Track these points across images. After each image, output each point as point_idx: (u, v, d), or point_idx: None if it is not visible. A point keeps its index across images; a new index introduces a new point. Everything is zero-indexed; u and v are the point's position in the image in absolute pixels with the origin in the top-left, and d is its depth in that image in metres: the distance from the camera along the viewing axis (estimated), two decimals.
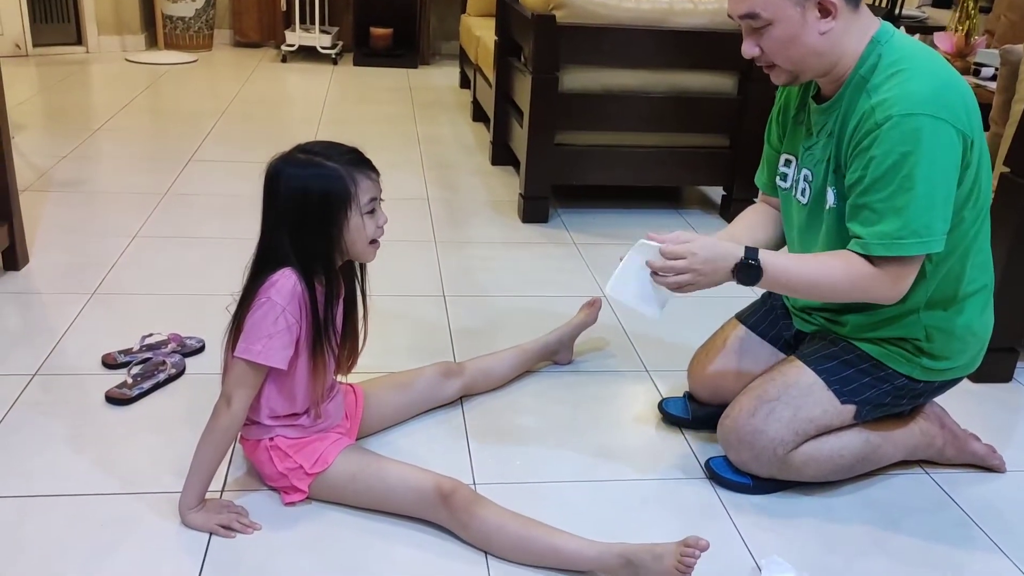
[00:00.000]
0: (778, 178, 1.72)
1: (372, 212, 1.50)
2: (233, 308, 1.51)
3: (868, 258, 1.47)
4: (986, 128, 2.39)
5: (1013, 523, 1.66)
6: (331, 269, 1.51)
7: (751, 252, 1.50)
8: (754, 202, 1.91)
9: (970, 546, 1.60)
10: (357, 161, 1.50)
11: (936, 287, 1.56)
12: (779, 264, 1.51)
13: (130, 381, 1.89)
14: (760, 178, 1.85)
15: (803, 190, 1.64)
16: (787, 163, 1.69)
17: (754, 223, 1.82)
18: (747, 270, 1.50)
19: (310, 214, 1.45)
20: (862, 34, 1.49)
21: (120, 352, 2.02)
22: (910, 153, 1.40)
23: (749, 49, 1.52)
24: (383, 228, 1.54)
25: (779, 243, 1.81)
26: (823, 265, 1.51)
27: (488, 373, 1.97)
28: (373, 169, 1.51)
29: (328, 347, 1.53)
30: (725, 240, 1.60)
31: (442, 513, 1.50)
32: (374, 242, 1.53)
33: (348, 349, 1.62)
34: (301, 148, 1.50)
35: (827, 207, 1.58)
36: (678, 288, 1.52)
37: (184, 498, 1.50)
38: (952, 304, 1.59)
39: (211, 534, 1.49)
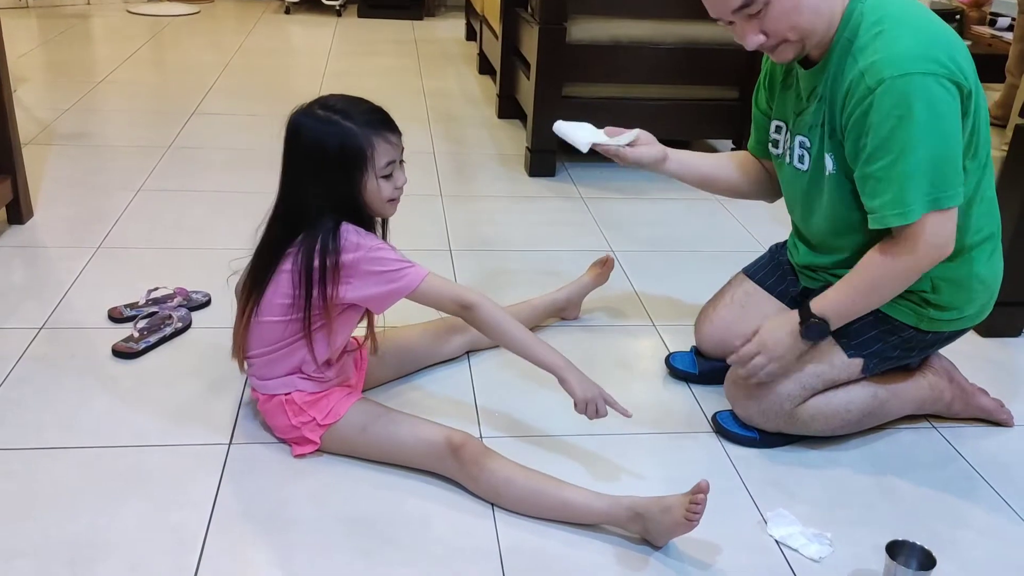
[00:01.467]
0: (770, 145, 1.71)
1: (389, 176, 1.50)
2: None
3: (892, 237, 1.45)
4: (1002, 79, 2.35)
5: (1019, 477, 1.66)
6: (367, 220, 1.52)
7: (804, 310, 1.54)
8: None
9: (975, 499, 1.60)
10: (377, 122, 1.48)
11: None
12: (836, 301, 1.53)
13: (136, 335, 1.89)
14: (751, 144, 1.83)
15: (801, 156, 1.61)
16: (778, 130, 1.67)
17: (709, 157, 1.87)
18: (811, 328, 1.54)
19: (327, 171, 1.45)
20: None
21: (126, 306, 2.02)
22: (907, 115, 1.38)
23: (753, 39, 1.48)
24: (402, 188, 1.54)
25: (731, 185, 1.85)
26: (869, 270, 1.50)
27: None
28: (394, 131, 1.50)
29: None
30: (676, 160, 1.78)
31: (451, 465, 1.51)
32: (392, 200, 1.53)
33: None
34: (323, 103, 1.49)
35: (827, 173, 1.56)
36: (769, 378, 1.60)
37: (560, 366, 1.53)
38: (959, 255, 1.56)
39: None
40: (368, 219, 1.53)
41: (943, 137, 1.40)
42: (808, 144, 1.59)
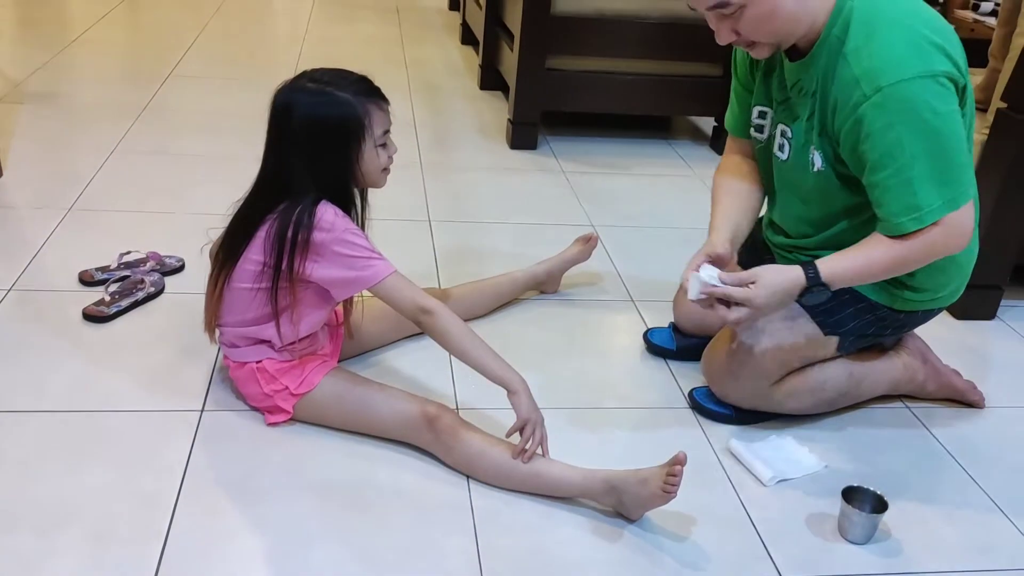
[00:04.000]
0: (753, 130, 1.68)
1: (384, 145, 1.50)
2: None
3: (907, 236, 1.43)
4: (984, 64, 2.35)
5: (988, 457, 1.68)
6: (352, 197, 1.51)
7: (813, 276, 1.46)
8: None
9: (945, 478, 1.62)
10: (369, 91, 1.47)
11: None
12: (845, 270, 1.47)
13: (108, 299, 1.85)
14: (729, 120, 1.76)
15: (781, 145, 1.60)
16: (762, 115, 1.65)
17: (731, 211, 1.68)
18: (813, 295, 1.48)
19: (325, 145, 1.43)
20: None
21: (98, 269, 1.98)
22: (908, 121, 1.37)
23: (726, 36, 1.46)
24: (393, 158, 1.54)
25: (761, 205, 1.74)
26: (888, 249, 1.45)
27: (473, 300, 1.95)
28: (384, 99, 1.50)
29: None
30: (723, 242, 1.58)
31: (426, 436, 1.50)
32: (386, 170, 1.53)
33: None
34: (310, 76, 1.46)
35: (815, 169, 1.54)
36: (736, 324, 1.51)
37: (514, 381, 1.47)
38: None
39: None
40: (351, 199, 1.51)
41: (947, 137, 1.39)
42: (790, 135, 1.57)
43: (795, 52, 1.53)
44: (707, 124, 3.46)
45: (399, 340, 1.86)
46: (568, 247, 2.11)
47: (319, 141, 1.43)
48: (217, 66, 3.64)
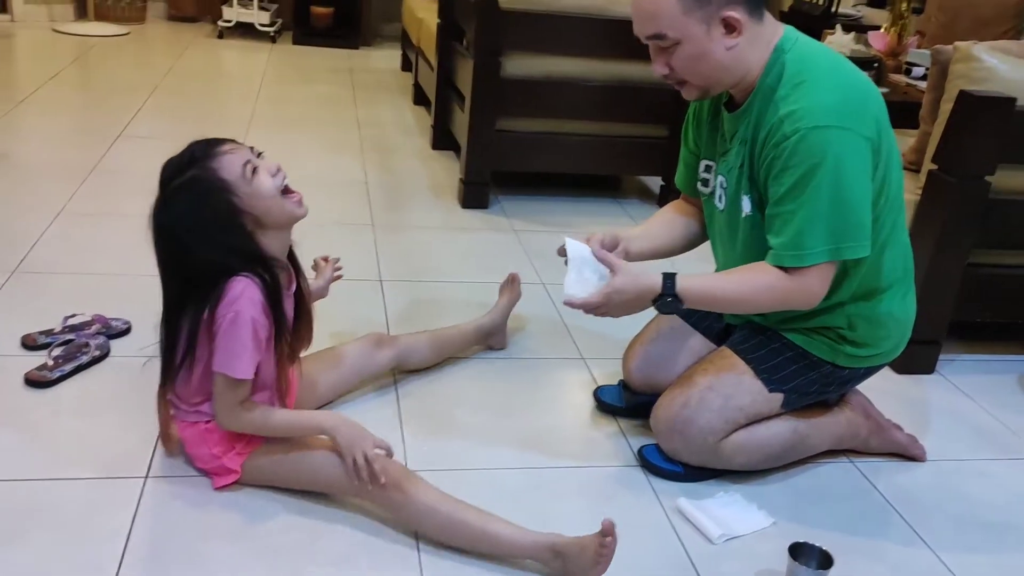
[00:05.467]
0: (699, 184, 1.74)
1: (255, 171, 1.45)
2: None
3: (783, 269, 1.50)
4: (917, 125, 2.45)
5: (931, 510, 1.72)
6: (267, 262, 1.48)
7: (668, 286, 1.53)
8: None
9: (890, 532, 1.65)
10: (204, 149, 1.45)
11: (859, 283, 1.60)
12: (699, 289, 1.54)
13: (51, 363, 1.82)
14: (678, 179, 1.85)
15: (719, 196, 1.66)
16: (707, 169, 1.71)
17: (658, 228, 1.83)
18: (665, 304, 1.54)
19: (212, 230, 1.42)
20: (767, 43, 1.51)
21: (41, 333, 1.95)
22: (818, 165, 1.43)
23: (659, 68, 1.54)
24: (283, 173, 1.49)
25: (686, 243, 1.84)
26: (743, 283, 1.55)
27: (421, 346, 1.96)
28: (223, 141, 1.47)
29: (285, 339, 1.52)
30: (633, 238, 1.70)
31: (374, 492, 1.48)
32: (287, 193, 1.49)
33: (304, 338, 1.64)
34: (162, 185, 1.46)
35: (743, 214, 1.60)
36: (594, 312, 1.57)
37: (326, 424, 1.48)
38: (874, 295, 1.63)
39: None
40: (264, 261, 1.47)
41: (849, 191, 1.45)
42: (726, 184, 1.63)
43: (733, 104, 1.59)
44: (655, 183, 3.53)
45: (349, 393, 1.85)
46: (499, 297, 2.15)
47: (204, 226, 1.41)
48: (168, 126, 3.64)
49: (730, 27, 1.46)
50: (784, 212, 1.48)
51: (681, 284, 1.53)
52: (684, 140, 1.80)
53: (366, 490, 1.48)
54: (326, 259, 1.91)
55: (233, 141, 1.48)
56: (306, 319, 1.64)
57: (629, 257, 1.70)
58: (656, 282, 1.53)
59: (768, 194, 1.51)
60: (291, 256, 1.59)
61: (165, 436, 1.60)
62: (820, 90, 1.45)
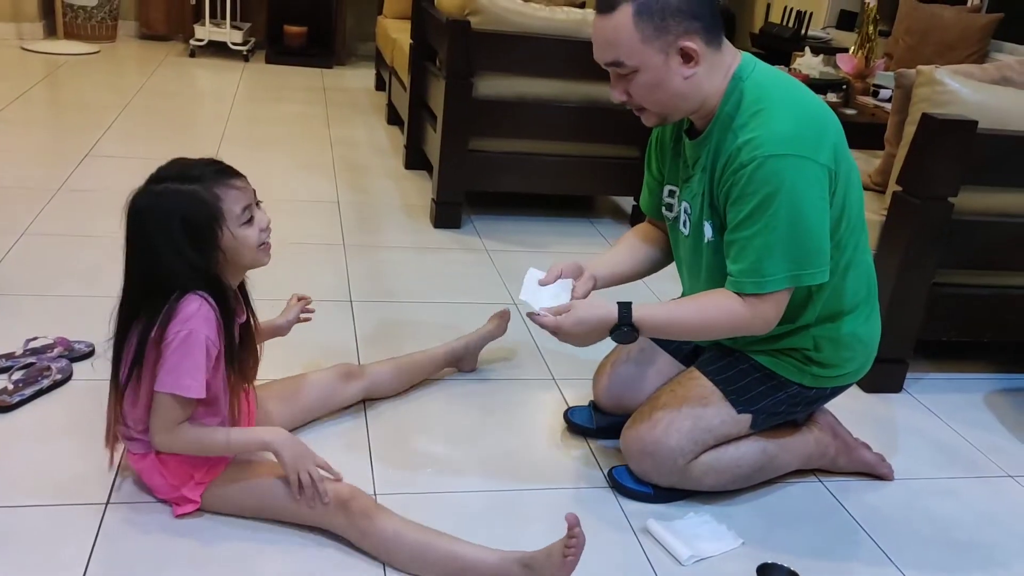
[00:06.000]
0: (664, 208, 1.75)
1: (250, 220, 1.46)
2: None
3: (742, 295, 1.50)
4: (883, 147, 2.48)
5: (899, 530, 1.72)
6: (224, 287, 1.47)
7: (624, 315, 1.53)
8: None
9: (858, 552, 1.65)
10: (217, 173, 1.44)
11: (823, 305, 1.62)
12: (656, 318, 1.54)
13: (11, 387, 1.79)
14: (643, 203, 1.86)
15: (684, 222, 1.67)
16: (671, 194, 1.72)
17: (622, 255, 1.83)
18: (621, 334, 1.54)
19: (183, 242, 1.40)
20: (725, 71, 1.53)
21: (2, 356, 1.91)
22: (775, 193, 1.44)
23: (618, 95, 1.55)
24: (268, 229, 1.50)
25: (651, 267, 1.85)
26: (700, 310, 1.55)
27: (390, 376, 1.94)
28: (237, 175, 1.47)
29: (233, 364, 1.50)
30: (597, 266, 1.72)
31: (339, 520, 1.47)
32: (263, 244, 1.50)
33: (251, 369, 1.61)
34: (155, 178, 1.44)
35: (706, 240, 1.61)
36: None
37: (273, 442, 1.47)
38: (839, 317, 1.64)
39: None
40: (222, 289, 1.46)
41: (806, 218, 1.46)
42: (689, 210, 1.64)
43: (694, 131, 1.60)
44: (627, 203, 3.55)
45: (316, 420, 1.83)
46: (485, 324, 2.13)
47: (177, 238, 1.39)
48: (137, 146, 3.61)
49: (688, 57, 1.47)
50: (741, 239, 1.49)
51: (637, 313, 1.53)
52: (647, 166, 1.81)
53: (333, 520, 1.47)
54: (301, 298, 1.86)
55: (245, 179, 1.47)
56: (252, 351, 1.60)
57: (597, 285, 1.71)
58: (612, 312, 1.53)
59: (727, 220, 1.52)
60: (241, 287, 1.58)
61: (112, 435, 1.53)
62: (777, 119, 1.46)
